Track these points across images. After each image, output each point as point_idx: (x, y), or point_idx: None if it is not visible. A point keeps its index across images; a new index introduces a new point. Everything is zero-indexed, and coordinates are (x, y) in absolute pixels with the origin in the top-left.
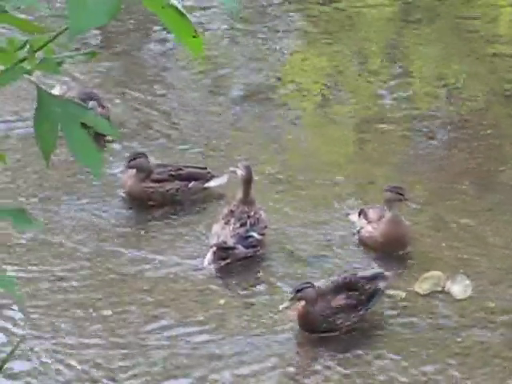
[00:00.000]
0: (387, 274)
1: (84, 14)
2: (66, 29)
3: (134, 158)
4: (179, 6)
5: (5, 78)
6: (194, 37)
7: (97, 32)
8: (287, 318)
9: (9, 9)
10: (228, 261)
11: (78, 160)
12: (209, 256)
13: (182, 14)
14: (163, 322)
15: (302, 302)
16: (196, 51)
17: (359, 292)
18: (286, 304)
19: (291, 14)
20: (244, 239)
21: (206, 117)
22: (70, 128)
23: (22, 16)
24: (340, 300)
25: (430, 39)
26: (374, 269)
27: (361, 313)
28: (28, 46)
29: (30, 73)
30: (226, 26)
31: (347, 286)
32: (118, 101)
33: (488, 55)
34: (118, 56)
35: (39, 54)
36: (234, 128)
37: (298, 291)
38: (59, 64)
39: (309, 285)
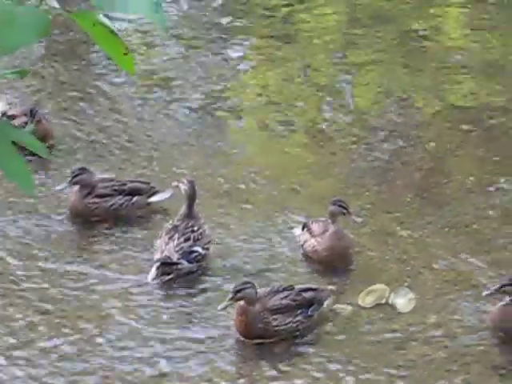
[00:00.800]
0: (328, 288)
1: (12, 33)
2: None
3: (77, 174)
4: (109, 24)
5: None
6: (125, 54)
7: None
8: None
9: None
10: (172, 276)
11: (9, 178)
12: (153, 271)
13: (113, 32)
14: (108, 338)
15: (241, 302)
16: (127, 68)
17: (296, 295)
18: (224, 303)
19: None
20: (188, 254)
21: (149, 131)
22: (1, 148)
23: None
24: (276, 300)
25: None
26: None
27: (298, 318)
28: None
29: None
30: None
31: (284, 290)
32: (61, 115)
33: (434, 68)
34: (62, 69)
35: None
36: (177, 142)
37: (238, 291)
38: None
39: (249, 285)
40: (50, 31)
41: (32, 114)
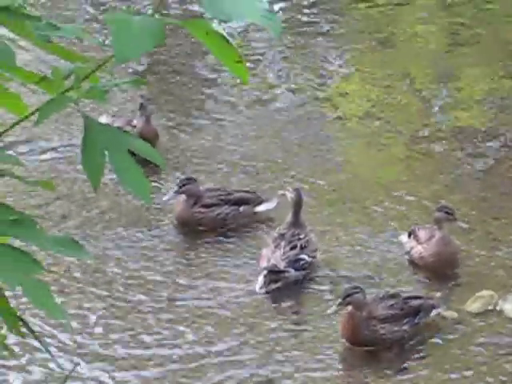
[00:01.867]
0: (435, 296)
1: (129, 41)
2: (111, 57)
3: (184, 184)
4: (223, 32)
5: (51, 107)
6: (237, 62)
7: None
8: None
9: (54, 38)
10: (279, 284)
11: (126, 187)
12: (260, 280)
13: (226, 40)
14: (217, 347)
15: (349, 308)
16: (240, 76)
17: (404, 303)
18: (333, 308)
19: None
20: (295, 262)
21: (254, 140)
22: (116, 155)
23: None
24: (384, 309)
25: (477, 60)
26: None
27: (405, 327)
28: (74, 75)
29: (76, 102)
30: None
31: (392, 297)
32: (166, 126)
33: None
34: (163, 82)
35: (85, 83)
36: (283, 150)
37: (347, 296)
38: (105, 92)
39: (358, 290)
40: (164, 39)
41: (142, 107)
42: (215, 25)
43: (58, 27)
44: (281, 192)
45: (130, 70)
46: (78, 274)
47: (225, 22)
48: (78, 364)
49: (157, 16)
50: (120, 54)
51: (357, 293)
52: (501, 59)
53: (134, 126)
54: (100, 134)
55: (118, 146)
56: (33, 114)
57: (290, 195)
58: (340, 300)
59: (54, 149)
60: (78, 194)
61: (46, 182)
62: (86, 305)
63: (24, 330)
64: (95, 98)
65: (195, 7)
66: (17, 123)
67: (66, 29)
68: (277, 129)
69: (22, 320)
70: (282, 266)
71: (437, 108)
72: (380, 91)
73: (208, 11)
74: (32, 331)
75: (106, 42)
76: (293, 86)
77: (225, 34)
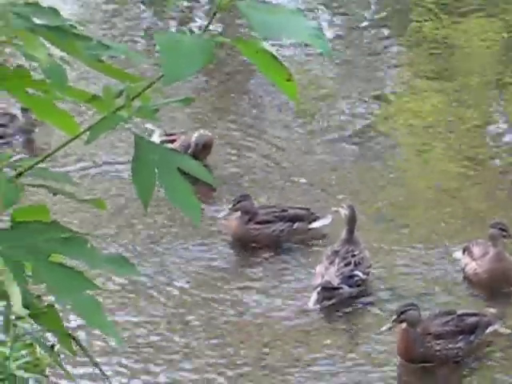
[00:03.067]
0: (491, 313)
1: (178, 62)
2: (161, 76)
3: (239, 201)
4: (273, 51)
5: (103, 126)
6: (288, 80)
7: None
8: None
9: (104, 58)
10: (333, 301)
11: (176, 206)
12: (314, 296)
13: (276, 59)
14: (270, 364)
15: (404, 325)
16: (290, 95)
17: (459, 320)
18: (387, 326)
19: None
20: (349, 279)
21: (304, 156)
22: (167, 175)
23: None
24: (439, 325)
25: None
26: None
27: (460, 344)
28: (124, 94)
29: (126, 120)
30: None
31: (447, 314)
32: (219, 143)
33: None
34: (219, 97)
35: (136, 102)
36: (335, 167)
37: (402, 313)
38: (155, 111)
39: (412, 307)
40: (215, 58)
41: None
42: (265, 44)
43: (108, 46)
44: (334, 209)
45: (188, 85)
46: (132, 292)
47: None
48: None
49: (207, 34)
50: (169, 74)
51: (411, 310)
52: None
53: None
54: (150, 153)
55: (167, 165)
56: (84, 132)
57: (343, 212)
58: (394, 317)
59: (99, 166)
60: (126, 212)
61: (99, 200)
62: (141, 321)
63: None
64: (146, 117)
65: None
66: (69, 142)
67: (117, 48)
68: (329, 145)
69: (74, 339)
70: (336, 282)
71: (497, 122)
72: (437, 105)
73: (257, 30)
74: (85, 350)
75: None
76: (344, 101)
77: (275, 53)
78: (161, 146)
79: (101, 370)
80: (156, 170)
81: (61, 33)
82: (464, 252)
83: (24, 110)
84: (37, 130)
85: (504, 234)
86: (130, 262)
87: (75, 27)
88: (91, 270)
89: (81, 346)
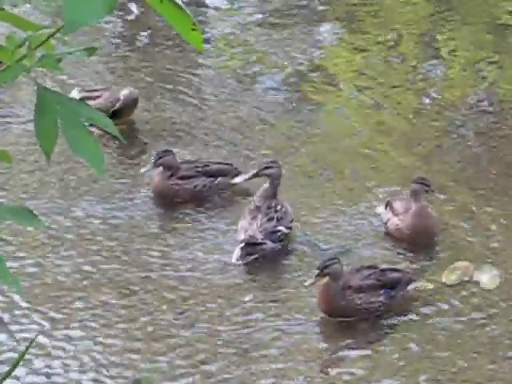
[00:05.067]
0: (413, 270)
1: (80, 8)
2: (62, 26)
3: (161, 156)
4: (177, 0)
5: (5, 75)
6: (193, 29)
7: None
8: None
9: (6, 6)
10: (256, 256)
11: (79, 157)
12: (237, 251)
13: (181, 8)
14: (191, 318)
15: (326, 279)
16: (196, 44)
17: (381, 275)
18: (311, 280)
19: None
20: (272, 234)
21: (230, 109)
22: (70, 125)
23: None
24: (360, 279)
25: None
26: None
27: (381, 299)
28: (27, 43)
29: (28, 70)
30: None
31: (369, 268)
32: (141, 98)
33: None
34: (142, 53)
35: (39, 51)
36: (261, 121)
37: (325, 267)
38: (59, 61)
39: (336, 261)
40: (116, 7)
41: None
42: None
43: None
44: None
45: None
46: (51, 248)
47: None
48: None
49: None
50: (71, 21)
51: (335, 264)
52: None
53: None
54: (53, 103)
55: (71, 115)
56: None
57: (269, 172)
58: (318, 271)
59: (17, 120)
60: (51, 167)
61: (2, 152)
62: (61, 278)
63: None
64: (49, 66)
65: None
66: None
67: None
68: (255, 99)
69: None
70: (259, 237)
71: (419, 76)
72: (364, 60)
73: None
74: None
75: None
76: (272, 56)
77: (179, 2)
78: (65, 97)
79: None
80: (59, 121)
81: None
82: (386, 207)
83: None
84: None
85: (426, 189)
86: (34, 213)
87: None
88: None
89: None
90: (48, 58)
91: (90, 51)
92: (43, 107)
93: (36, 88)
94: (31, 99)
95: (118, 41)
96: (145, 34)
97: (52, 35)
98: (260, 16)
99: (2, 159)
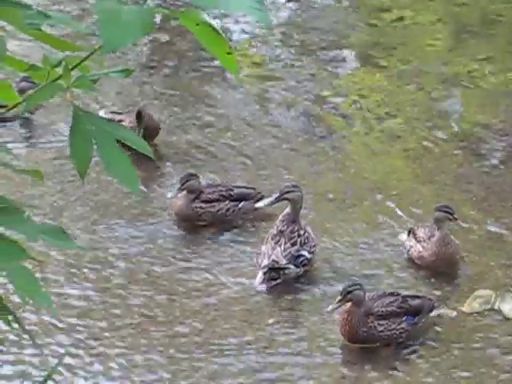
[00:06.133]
0: (435, 296)
1: (117, 30)
2: (100, 47)
3: (187, 180)
4: (213, 23)
5: (41, 95)
6: (228, 53)
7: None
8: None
9: (43, 26)
10: (279, 281)
11: (114, 177)
12: (260, 276)
13: (217, 31)
14: (214, 342)
15: (348, 305)
16: (230, 67)
17: (403, 302)
18: (334, 305)
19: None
20: (295, 258)
21: (255, 137)
22: (104, 145)
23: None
24: (382, 306)
25: (483, 56)
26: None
27: (403, 326)
28: (63, 64)
29: (65, 90)
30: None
31: (390, 295)
32: (165, 121)
33: None
34: (166, 76)
35: (75, 72)
36: (282, 148)
37: (348, 292)
38: (94, 82)
39: (358, 286)
40: (153, 28)
41: (140, 116)
42: (207, 16)
43: (48, 15)
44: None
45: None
46: (75, 266)
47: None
48: (64, 356)
49: (148, 4)
50: (108, 42)
51: (357, 289)
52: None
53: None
54: (88, 123)
55: (105, 136)
56: (22, 102)
57: (291, 195)
58: (340, 296)
59: (50, 140)
60: (73, 187)
61: (35, 171)
62: (82, 295)
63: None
64: (84, 87)
65: None
66: (10, 109)
67: (56, 17)
68: (278, 125)
69: (12, 314)
70: (283, 262)
71: (438, 104)
72: (385, 92)
73: (195, 0)
74: (23, 326)
75: (97, 32)
76: (293, 82)
77: (215, 25)
78: (99, 117)
79: (34, 340)
80: (94, 142)
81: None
82: (409, 234)
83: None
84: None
85: (449, 216)
86: (66, 233)
87: None
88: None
89: (18, 321)
90: (84, 79)
91: (126, 72)
92: (78, 127)
93: (72, 108)
94: (62, 119)
95: (144, 64)
96: (171, 59)
97: (89, 56)
98: (284, 46)
99: (35, 177)
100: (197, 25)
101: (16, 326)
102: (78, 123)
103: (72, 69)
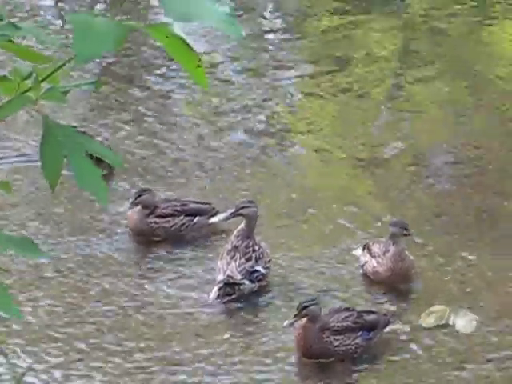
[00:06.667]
0: (390, 312)
1: (90, 42)
2: (71, 58)
3: (140, 195)
4: (183, 36)
5: (10, 107)
6: (197, 66)
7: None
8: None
9: (14, 38)
10: (234, 296)
11: (83, 187)
12: (214, 291)
13: (187, 44)
14: (168, 357)
15: (304, 320)
16: (200, 81)
17: (358, 317)
18: (290, 320)
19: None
20: (250, 274)
21: (208, 152)
22: (75, 156)
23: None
24: (337, 321)
25: (433, 78)
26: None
27: (358, 341)
28: (34, 76)
29: (34, 102)
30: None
31: (346, 310)
32: (119, 136)
33: (491, 92)
34: (118, 89)
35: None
36: (237, 164)
37: (304, 308)
38: (65, 93)
39: (315, 301)
40: (124, 42)
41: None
42: (177, 29)
43: (19, 27)
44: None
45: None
46: (29, 277)
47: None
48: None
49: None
50: (80, 54)
51: (313, 305)
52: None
53: None
54: (59, 135)
55: (76, 147)
56: None
57: (246, 211)
58: (296, 312)
59: (17, 151)
60: (39, 199)
61: (3, 182)
62: (33, 318)
63: None
64: (54, 99)
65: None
66: None
67: (27, 29)
68: (234, 141)
69: None
70: (238, 277)
71: (391, 123)
72: (334, 106)
73: (167, 12)
74: None
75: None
76: (248, 101)
77: (185, 39)
78: (69, 128)
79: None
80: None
81: None
82: (364, 249)
83: None
84: None
85: (404, 232)
86: (35, 244)
87: None
88: None
89: None
90: (54, 91)
91: (96, 84)
92: (49, 138)
93: (42, 120)
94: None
95: (102, 79)
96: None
97: (59, 68)
98: (238, 62)
99: (2, 189)
100: (166, 37)
101: None
102: (49, 134)
103: (42, 80)
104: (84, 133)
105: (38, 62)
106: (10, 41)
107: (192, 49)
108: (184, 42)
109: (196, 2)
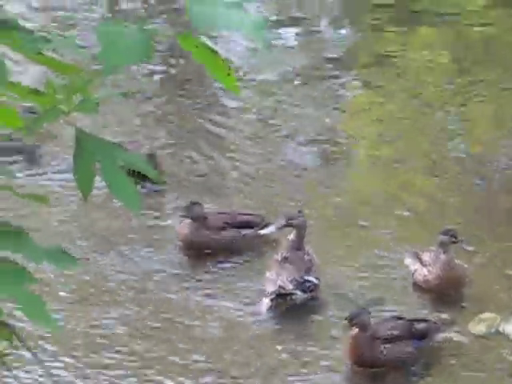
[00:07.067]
0: (442, 319)
1: (116, 53)
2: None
3: (190, 208)
4: (212, 45)
5: (43, 119)
6: (228, 74)
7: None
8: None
9: (45, 50)
10: (286, 306)
11: (116, 197)
12: (266, 302)
13: (215, 53)
14: (221, 368)
15: (354, 329)
16: (231, 88)
17: (409, 326)
18: (340, 330)
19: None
20: (302, 284)
21: (260, 164)
22: (107, 166)
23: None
24: (388, 330)
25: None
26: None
27: (410, 349)
28: (67, 88)
29: (67, 114)
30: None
31: (397, 319)
32: (171, 149)
33: None
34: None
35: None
36: (287, 175)
37: (354, 317)
38: (97, 105)
39: (364, 311)
40: (153, 53)
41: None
42: (205, 38)
43: (49, 40)
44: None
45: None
46: (81, 291)
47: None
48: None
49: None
50: (107, 65)
51: (363, 314)
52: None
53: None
54: (91, 146)
55: (108, 157)
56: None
57: (295, 221)
58: (347, 322)
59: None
60: (83, 212)
61: (41, 196)
62: (87, 322)
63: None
64: (87, 110)
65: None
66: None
67: (59, 41)
68: (283, 151)
69: (14, 332)
70: (289, 288)
71: (442, 132)
72: (387, 114)
73: (194, 21)
74: (24, 343)
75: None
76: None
77: (214, 47)
78: (102, 139)
79: (34, 354)
80: (98, 164)
81: (1, 24)
82: (414, 258)
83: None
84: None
85: (454, 240)
86: (70, 254)
87: (16, 20)
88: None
89: (20, 338)
90: (86, 102)
91: (128, 94)
92: (81, 150)
93: (74, 132)
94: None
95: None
96: (178, 87)
97: (91, 80)
98: (290, 71)
99: (40, 202)
100: (196, 47)
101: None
102: (81, 145)
103: (74, 93)
104: (116, 143)
105: (69, 72)
106: (40, 53)
107: (221, 58)
108: (213, 50)
109: (224, 10)
